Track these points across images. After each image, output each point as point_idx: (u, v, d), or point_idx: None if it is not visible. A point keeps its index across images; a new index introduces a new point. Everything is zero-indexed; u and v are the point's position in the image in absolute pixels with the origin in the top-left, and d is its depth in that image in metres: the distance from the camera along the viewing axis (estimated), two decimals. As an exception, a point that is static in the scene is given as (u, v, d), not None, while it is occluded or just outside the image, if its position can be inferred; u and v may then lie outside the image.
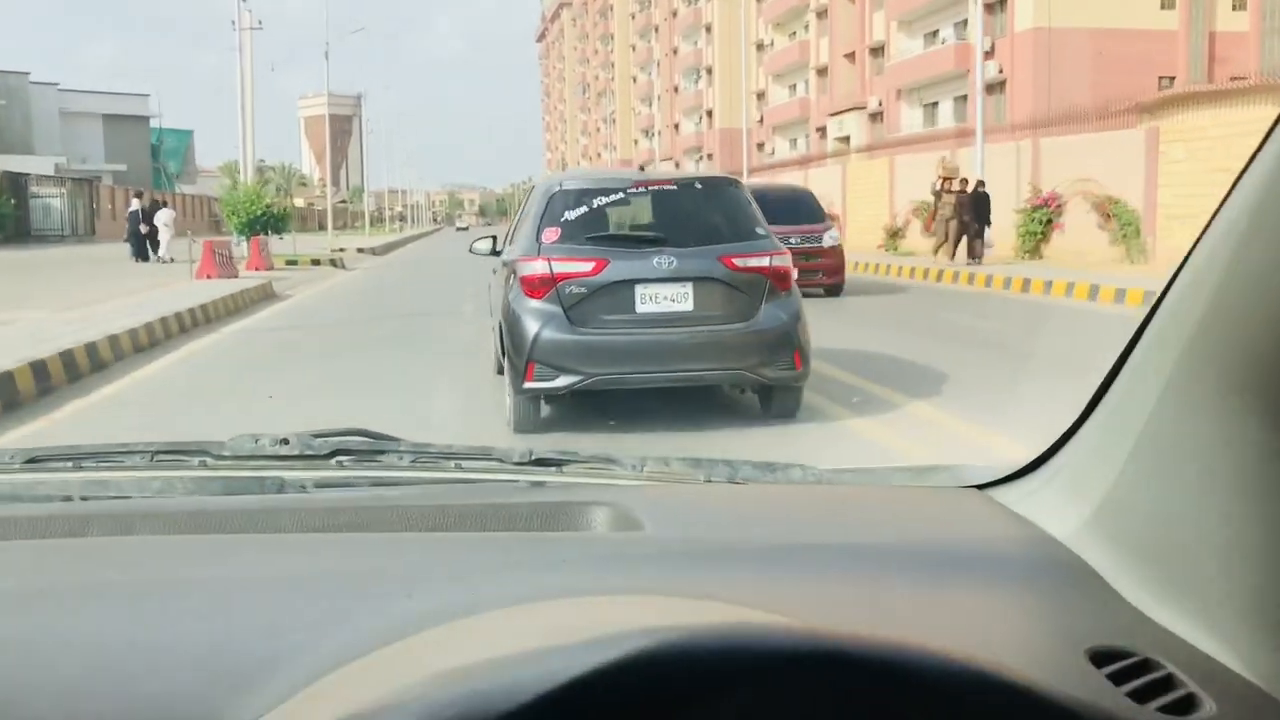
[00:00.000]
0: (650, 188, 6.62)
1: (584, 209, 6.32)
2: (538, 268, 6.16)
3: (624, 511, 1.23)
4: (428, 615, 0.83)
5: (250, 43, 30.59)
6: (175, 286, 16.12)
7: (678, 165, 72.51)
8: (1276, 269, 0.80)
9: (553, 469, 1.47)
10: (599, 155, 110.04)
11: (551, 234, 6.24)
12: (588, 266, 6.13)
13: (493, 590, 0.93)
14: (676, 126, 77.12)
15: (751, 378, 6.41)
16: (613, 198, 6.47)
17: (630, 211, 6.78)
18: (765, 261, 6.32)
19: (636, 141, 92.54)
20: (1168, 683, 0.82)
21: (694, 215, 6.45)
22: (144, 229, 28.76)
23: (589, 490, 1.40)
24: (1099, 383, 1.05)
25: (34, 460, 1.49)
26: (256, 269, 22.70)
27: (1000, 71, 36.38)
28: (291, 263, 25.84)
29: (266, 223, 26.03)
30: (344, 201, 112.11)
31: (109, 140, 59.98)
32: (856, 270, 23.02)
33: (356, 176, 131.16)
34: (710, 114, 71.11)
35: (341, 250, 37.15)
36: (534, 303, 6.11)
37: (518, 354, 6.09)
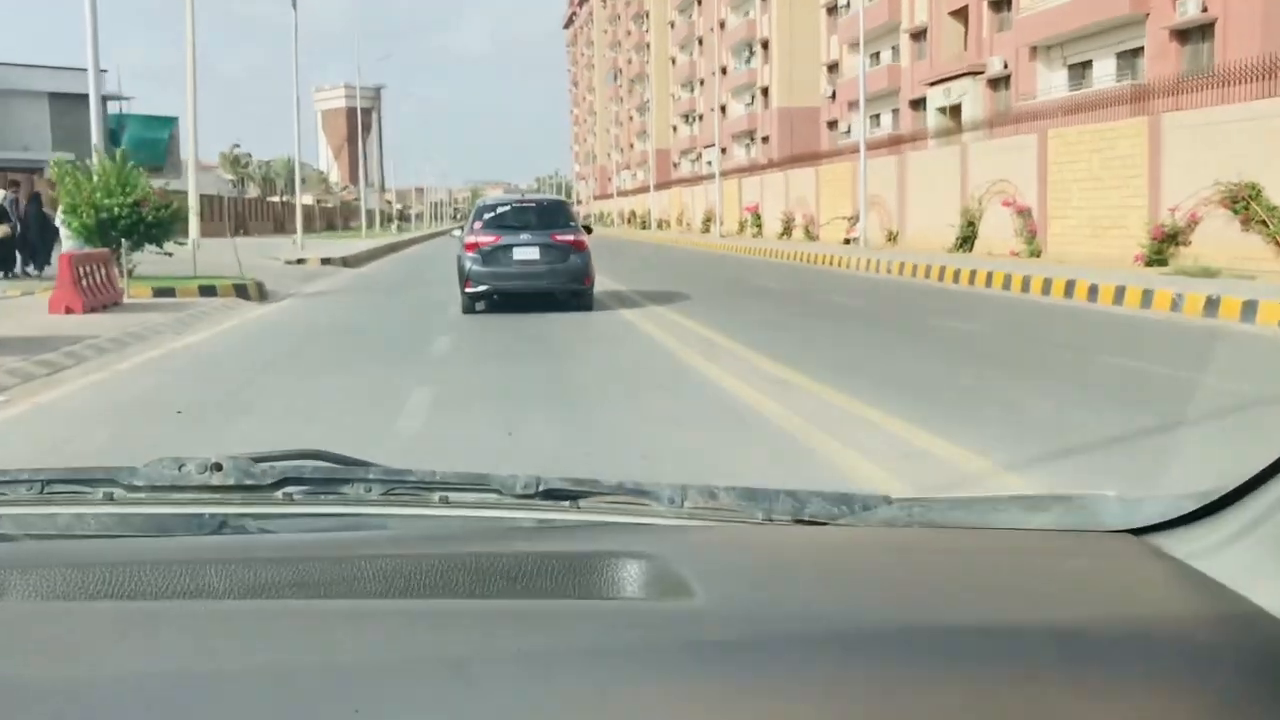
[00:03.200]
0: (523, 203, 15.79)
1: (492, 213, 14.94)
2: (470, 239, 14.36)
3: (664, 567, 0.97)
4: None
5: None
6: None
7: (724, 151, 62.95)
8: None
9: (565, 503, 1.18)
10: (631, 146, 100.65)
11: (478, 225, 14.58)
12: (492, 239, 14.20)
13: (480, 707, 0.72)
14: (723, 108, 67.06)
15: (565, 288, 14.27)
16: (506, 208, 15.30)
17: (513, 214, 15.04)
18: (571, 237, 14.35)
19: (675, 129, 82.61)
20: None
21: (542, 215, 14.99)
22: (3, 229, 20.92)
23: (614, 534, 1.11)
24: None
25: None
26: (68, 311, 12.96)
27: (1204, 10, 26.27)
28: (166, 292, 16.05)
29: (130, 228, 16.29)
30: (357, 199, 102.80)
31: (57, 124, 50.37)
32: (1115, 303, 13.00)
33: (376, 173, 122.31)
34: (765, 92, 61.08)
35: (300, 261, 27.57)
36: (469, 254, 14.17)
37: (461, 277, 14.22)
